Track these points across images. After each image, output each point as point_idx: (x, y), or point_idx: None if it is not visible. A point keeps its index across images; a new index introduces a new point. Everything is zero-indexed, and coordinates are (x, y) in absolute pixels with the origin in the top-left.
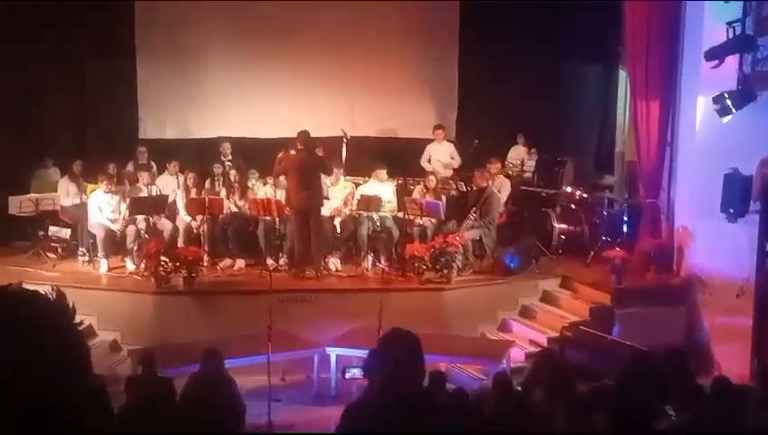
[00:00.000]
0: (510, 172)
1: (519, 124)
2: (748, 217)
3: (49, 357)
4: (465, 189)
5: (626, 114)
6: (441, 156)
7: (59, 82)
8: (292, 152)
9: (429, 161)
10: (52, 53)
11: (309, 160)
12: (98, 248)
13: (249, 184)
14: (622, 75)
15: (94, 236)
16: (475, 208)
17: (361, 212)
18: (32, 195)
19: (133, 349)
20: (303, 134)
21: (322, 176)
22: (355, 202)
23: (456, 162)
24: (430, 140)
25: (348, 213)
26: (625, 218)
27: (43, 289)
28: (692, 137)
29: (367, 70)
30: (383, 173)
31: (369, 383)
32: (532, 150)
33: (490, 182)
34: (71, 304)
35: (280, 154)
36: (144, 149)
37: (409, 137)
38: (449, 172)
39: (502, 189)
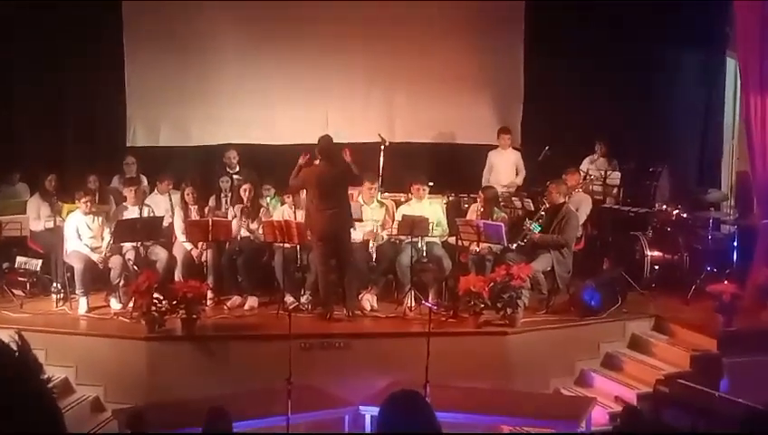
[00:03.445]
0: (590, 187)
1: (599, 126)
2: None
3: (9, 423)
4: (532, 208)
5: (735, 113)
6: (504, 166)
7: (31, 78)
8: (315, 162)
9: (491, 173)
10: (23, 43)
11: (331, 172)
12: (75, 283)
13: (263, 202)
14: (731, 64)
15: (71, 269)
16: (529, 221)
17: (403, 237)
18: None
19: (120, 408)
20: (324, 140)
21: (353, 192)
22: (395, 225)
23: (521, 177)
24: (488, 147)
25: (386, 238)
26: (735, 244)
27: (6, 335)
28: None
29: (410, 62)
30: (422, 189)
31: None
32: (613, 162)
33: (567, 198)
34: (36, 356)
35: (300, 160)
36: (133, 159)
37: (463, 143)
38: (512, 188)
39: (580, 207)
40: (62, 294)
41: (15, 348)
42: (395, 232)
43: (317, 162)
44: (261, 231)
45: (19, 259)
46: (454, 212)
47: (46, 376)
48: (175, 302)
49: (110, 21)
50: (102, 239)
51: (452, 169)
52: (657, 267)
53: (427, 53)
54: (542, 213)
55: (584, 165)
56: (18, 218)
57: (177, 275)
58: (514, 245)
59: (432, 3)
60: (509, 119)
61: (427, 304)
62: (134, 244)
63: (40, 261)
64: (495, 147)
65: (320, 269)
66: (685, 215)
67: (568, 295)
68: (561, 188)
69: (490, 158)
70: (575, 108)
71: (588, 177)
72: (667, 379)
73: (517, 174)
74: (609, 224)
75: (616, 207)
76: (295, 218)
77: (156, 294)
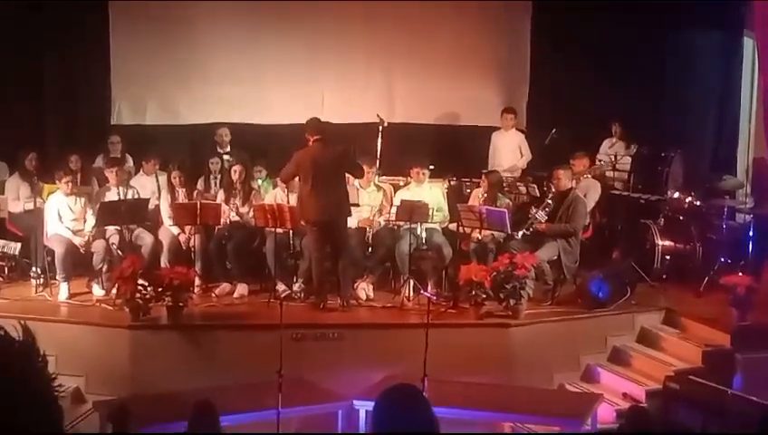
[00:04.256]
0: (600, 171)
1: (609, 109)
2: None
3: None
4: (537, 193)
5: (753, 96)
6: (506, 148)
7: (8, 50)
8: (310, 142)
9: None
10: (3, 17)
11: (327, 153)
12: (56, 268)
13: (255, 185)
14: (748, 45)
15: (52, 253)
16: (535, 209)
17: (401, 223)
18: None
19: (101, 400)
20: (314, 122)
21: (349, 177)
22: (393, 210)
23: (525, 160)
24: (493, 129)
25: (383, 224)
26: (750, 234)
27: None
28: None
29: (411, 40)
30: (422, 173)
31: None
32: (632, 145)
33: (574, 183)
34: (41, 350)
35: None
36: (118, 138)
37: (465, 124)
38: (517, 173)
39: (588, 194)
40: (41, 280)
41: (18, 338)
42: (393, 218)
43: (311, 143)
44: (252, 215)
45: None
46: (455, 197)
47: (53, 374)
48: (160, 289)
49: None
50: (85, 222)
51: (454, 151)
52: (668, 258)
53: (429, 30)
54: (549, 201)
55: (603, 148)
56: None
57: (163, 261)
58: (519, 233)
59: None
60: (514, 100)
61: (425, 293)
62: (118, 227)
63: (19, 244)
64: (499, 128)
65: (313, 256)
66: (698, 203)
67: (574, 286)
68: (569, 173)
69: (493, 139)
70: (584, 90)
71: (599, 162)
72: (677, 375)
73: (521, 156)
74: (618, 211)
75: (626, 193)
76: (288, 202)
77: (140, 281)
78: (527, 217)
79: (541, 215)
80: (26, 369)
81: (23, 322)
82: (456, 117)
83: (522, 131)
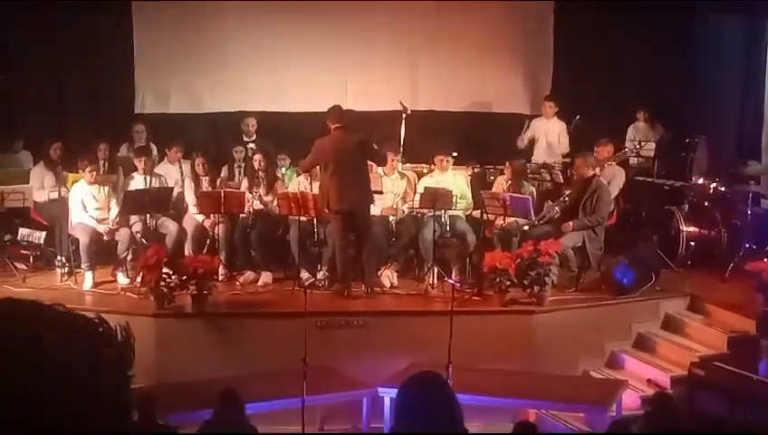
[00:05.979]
0: (625, 157)
1: (633, 95)
2: None
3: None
4: (562, 180)
5: None
6: (549, 136)
7: (32, 40)
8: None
9: (533, 142)
10: (28, 6)
11: (349, 141)
12: (81, 257)
13: (278, 173)
14: None
15: (76, 242)
16: (551, 203)
17: (425, 211)
18: None
19: None
20: (335, 109)
21: (372, 165)
22: (417, 198)
23: (563, 148)
24: (515, 115)
25: (407, 212)
26: None
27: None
28: None
29: (433, 26)
30: (446, 160)
31: None
32: (657, 127)
33: (597, 170)
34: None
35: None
36: (142, 127)
37: (489, 112)
38: (553, 160)
39: (613, 181)
40: (66, 268)
41: (120, 336)
42: (416, 205)
43: (332, 131)
44: (275, 203)
45: (22, 231)
46: (479, 184)
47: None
48: (185, 277)
49: None
50: (109, 210)
51: (477, 139)
52: (693, 244)
53: (452, 17)
54: (566, 199)
55: (630, 133)
56: (21, 188)
57: (188, 249)
58: (535, 220)
59: None
60: (538, 85)
61: (449, 280)
62: (142, 216)
63: (44, 233)
64: (539, 115)
65: (337, 244)
66: (723, 188)
67: (599, 273)
68: (590, 161)
69: (533, 126)
70: (607, 75)
71: (622, 148)
72: (702, 361)
73: (559, 144)
74: (642, 197)
75: (650, 180)
76: (312, 190)
77: (165, 269)
78: (542, 208)
79: (556, 211)
80: (117, 376)
81: (124, 322)
82: (480, 104)
83: (563, 120)
